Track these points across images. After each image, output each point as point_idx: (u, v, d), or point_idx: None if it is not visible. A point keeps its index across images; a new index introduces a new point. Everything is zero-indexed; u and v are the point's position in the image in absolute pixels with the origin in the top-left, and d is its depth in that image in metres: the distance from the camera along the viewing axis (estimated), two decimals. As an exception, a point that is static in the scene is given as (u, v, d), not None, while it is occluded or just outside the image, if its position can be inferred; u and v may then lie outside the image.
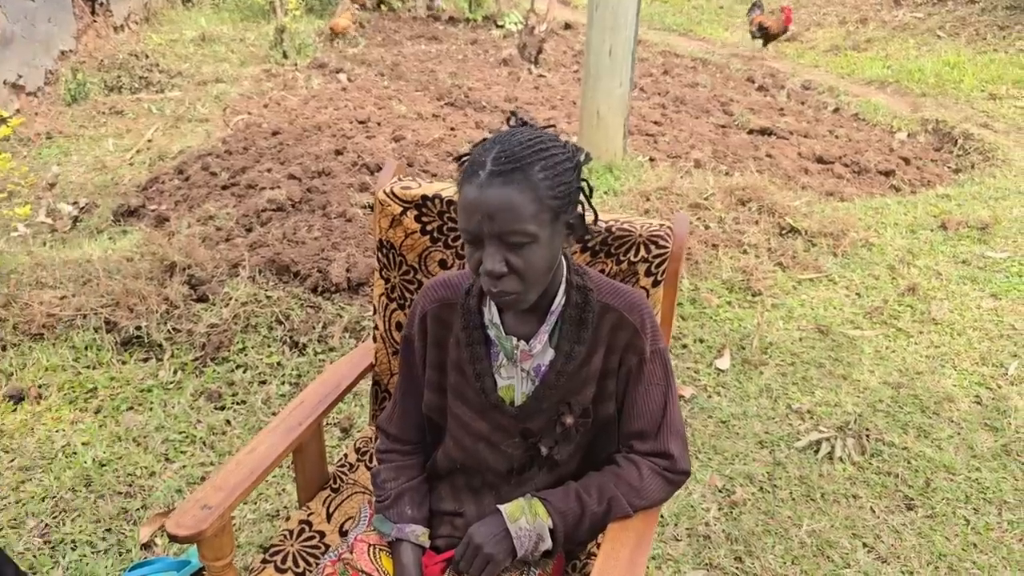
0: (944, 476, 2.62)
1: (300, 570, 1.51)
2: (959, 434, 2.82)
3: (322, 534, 1.61)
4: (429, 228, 1.75)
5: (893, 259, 4.06)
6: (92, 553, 2.22)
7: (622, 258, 1.60)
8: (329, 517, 1.67)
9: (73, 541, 2.26)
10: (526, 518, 1.36)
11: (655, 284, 1.60)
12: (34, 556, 2.20)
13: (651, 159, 5.27)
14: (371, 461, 1.84)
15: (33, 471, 2.52)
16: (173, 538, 1.36)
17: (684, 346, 3.30)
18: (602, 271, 1.61)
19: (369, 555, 1.41)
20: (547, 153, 1.22)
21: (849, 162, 5.59)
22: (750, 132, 6.23)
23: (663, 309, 1.63)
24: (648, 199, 4.36)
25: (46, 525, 2.32)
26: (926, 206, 4.73)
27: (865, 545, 2.34)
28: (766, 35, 8.77)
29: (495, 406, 1.40)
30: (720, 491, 2.54)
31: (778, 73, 8.20)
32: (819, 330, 3.44)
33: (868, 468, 2.65)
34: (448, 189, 1.73)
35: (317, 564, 1.51)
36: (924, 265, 4.01)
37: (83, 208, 4.57)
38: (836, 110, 7.12)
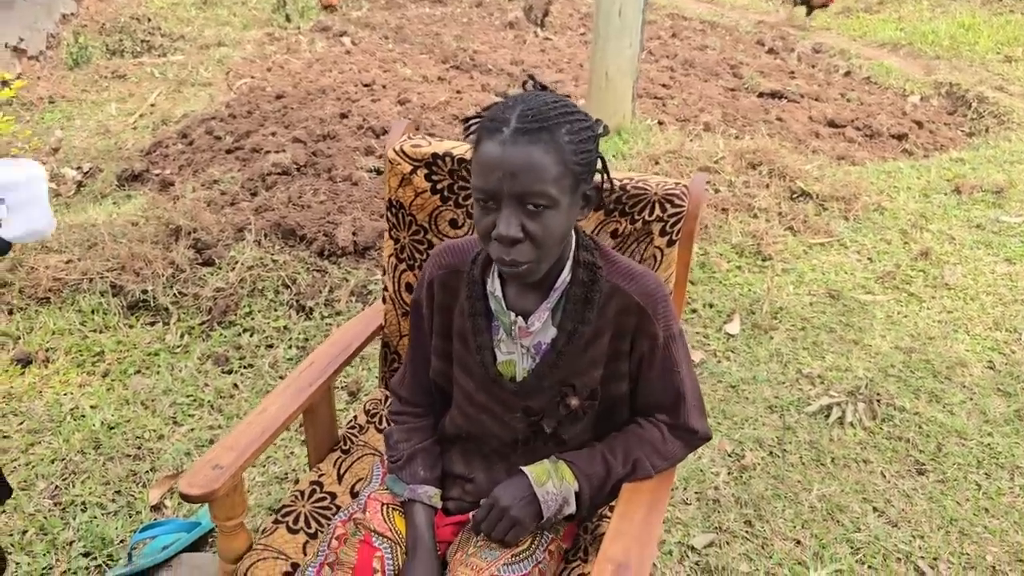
0: (956, 441, 2.61)
1: (312, 530, 1.51)
2: (971, 399, 2.80)
3: (333, 495, 1.60)
4: (439, 187, 1.71)
5: (906, 223, 4.02)
6: (102, 515, 2.22)
7: (636, 217, 1.56)
8: (340, 478, 1.65)
9: (83, 503, 2.26)
10: (553, 482, 1.33)
11: (670, 244, 1.56)
12: (44, 518, 2.20)
13: (660, 122, 5.20)
14: (381, 423, 1.83)
15: (42, 434, 2.52)
16: (185, 498, 1.35)
17: (694, 311, 3.27)
18: (616, 230, 1.58)
19: (382, 514, 1.39)
20: (572, 117, 1.18)
21: (861, 126, 5.51)
22: (760, 95, 6.15)
23: (677, 270, 1.59)
24: (657, 162, 4.31)
25: (56, 487, 2.32)
26: (939, 170, 4.67)
27: (875, 509, 2.33)
28: (808, 4, 8.50)
29: (494, 380, 1.37)
30: (730, 455, 2.52)
31: (788, 36, 8.08)
32: (830, 295, 3.41)
33: (879, 433, 2.64)
34: (459, 147, 1.69)
35: (329, 524, 1.50)
36: (937, 230, 3.97)
37: (87, 173, 4.54)
38: (847, 73, 7.02)
